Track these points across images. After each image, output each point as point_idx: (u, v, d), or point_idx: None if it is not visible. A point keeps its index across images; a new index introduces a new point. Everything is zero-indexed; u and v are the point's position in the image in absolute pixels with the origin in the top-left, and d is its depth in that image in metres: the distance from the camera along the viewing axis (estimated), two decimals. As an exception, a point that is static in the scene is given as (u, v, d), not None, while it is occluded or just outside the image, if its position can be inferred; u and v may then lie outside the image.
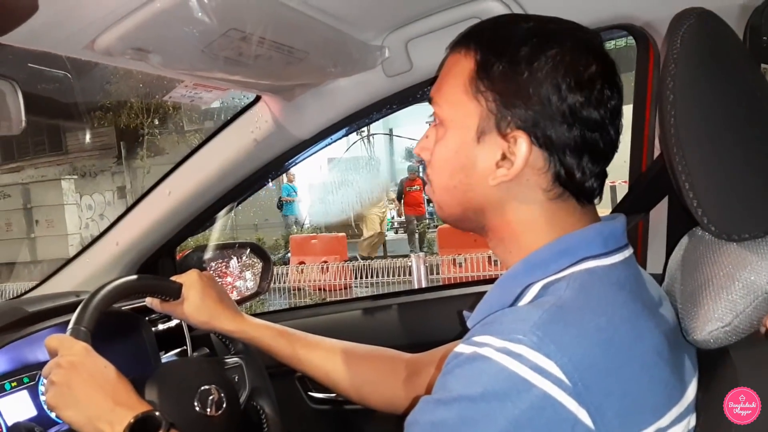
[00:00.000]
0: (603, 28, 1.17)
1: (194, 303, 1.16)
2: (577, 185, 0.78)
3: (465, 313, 0.94)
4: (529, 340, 0.66)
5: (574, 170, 0.77)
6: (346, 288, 9.47)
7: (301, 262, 10.25)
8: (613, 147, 0.79)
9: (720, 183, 0.75)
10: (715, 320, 0.75)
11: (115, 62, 0.96)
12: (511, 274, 0.80)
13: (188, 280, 1.18)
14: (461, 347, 0.70)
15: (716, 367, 0.78)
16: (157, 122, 14.90)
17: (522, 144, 0.76)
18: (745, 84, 0.82)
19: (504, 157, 0.77)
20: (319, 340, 1.22)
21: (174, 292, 1.17)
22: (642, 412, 0.69)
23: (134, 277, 1.14)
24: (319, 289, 9.53)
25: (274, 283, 9.61)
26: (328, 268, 9.79)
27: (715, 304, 0.76)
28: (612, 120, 0.77)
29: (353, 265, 9.79)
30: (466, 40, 0.81)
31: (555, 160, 0.76)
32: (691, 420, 0.75)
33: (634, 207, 1.23)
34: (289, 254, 11.14)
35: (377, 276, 9.43)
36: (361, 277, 9.49)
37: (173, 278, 1.18)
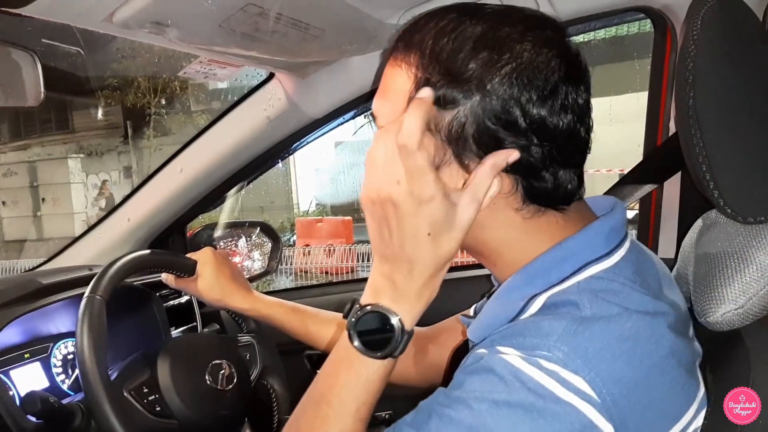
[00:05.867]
0: (621, 10, 1.16)
1: (208, 280, 1.17)
2: (550, 198, 0.72)
3: (463, 319, 0.92)
4: (555, 356, 0.63)
5: (547, 185, 0.71)
6: (351, 271, 9.48)
7: (307, 245, 10.26)
8: (586, 147, 0.73)
9: (737, 165, 0.74)
10: (729, 302, 0.75)
11: (133, 36, 0.95)
12: (511, 285, 0.75)
13: (203, 257, 1.19)
14: (484, 353, 0.67)
15: (717, 367, 0.78)
16: (164, 102, 14.88)
17: None
18: (765, 67, 0.82)
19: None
20: (332, 316, 1.22)
21: (189, 269, 1.17)
22: (662, 418, 0.68)
23: (150, 251, 1.15)
24: (325, 272, 9.55)
25: (280, 264, 9.62)
26: (334, 251, 9.80)
27: (728, 287, 0.75)
28: (581, 120, 0.71)
29: (359, 249, 9.80)
30: (406, 48, 0.72)
31: (522, 181, 0.70)
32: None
33: (646, 177, 1.20)
34: (295, 237, 11.15)
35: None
36: (367, 261, 9.50)
37: (188, 255, 1.19)
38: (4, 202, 15.14)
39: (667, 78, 1.22)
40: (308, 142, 1.52)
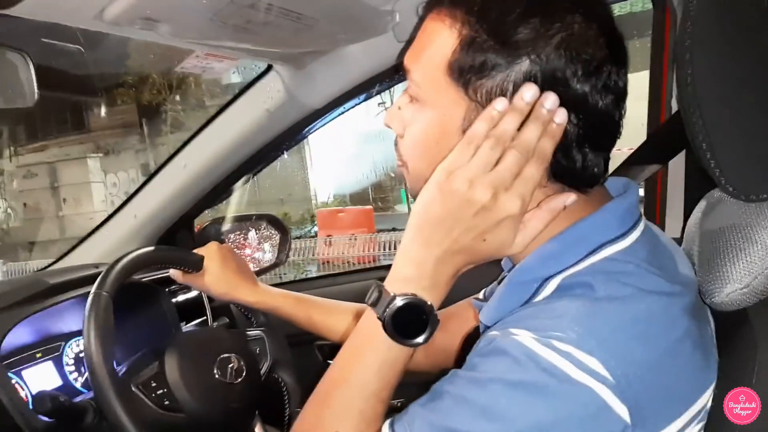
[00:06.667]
0: (619, -13, 1.14)
1: (215, 274, 1.17)
2: (577, 179, 0.71)
3: (475, 302, 0.92)
4: (569, 337, 0.62)
5: (574, 165, 0.69)
6: (375, 260, 9.52)
7: (329, 235, 10.30)
8: (618, 131, 0.72)
9: (738, 143, 0.73)
10: (734, 282, 0.74)
11: (124, 33, 0.95)
12: (524, 268, 0.73)
13: (208, 252, 1.19)
14: (496, 335, 0.66)
15: (723, 348, 0.77)
16: (178, 98, 14.94)
17: None
18: (764, 43, 0.80)
19: None
20: (337, 304, 1.23)
21: (195, 264, 1.18)
22: (677, 401, 0.67)
23: (156, 247, 1.15)
24: (348, 263, 9.59)
25: (301, 256, 9.73)
26: (356, 240, 9.84)
27: (733, 266, 0.74)
28: (617, 104, 0.70)
29: (381, 238, 9.82)
30: (452, 3, 0.69)
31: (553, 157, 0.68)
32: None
33: (650, 156, 1.19)
34: (317, 228, 11.17)
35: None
36: (390, 249, 9.52)
37: (194, 251, 1.20)
38: (25, 204, 15.30)
39: (668, 55, 1.19)
40: (312, 132, 1.52)
